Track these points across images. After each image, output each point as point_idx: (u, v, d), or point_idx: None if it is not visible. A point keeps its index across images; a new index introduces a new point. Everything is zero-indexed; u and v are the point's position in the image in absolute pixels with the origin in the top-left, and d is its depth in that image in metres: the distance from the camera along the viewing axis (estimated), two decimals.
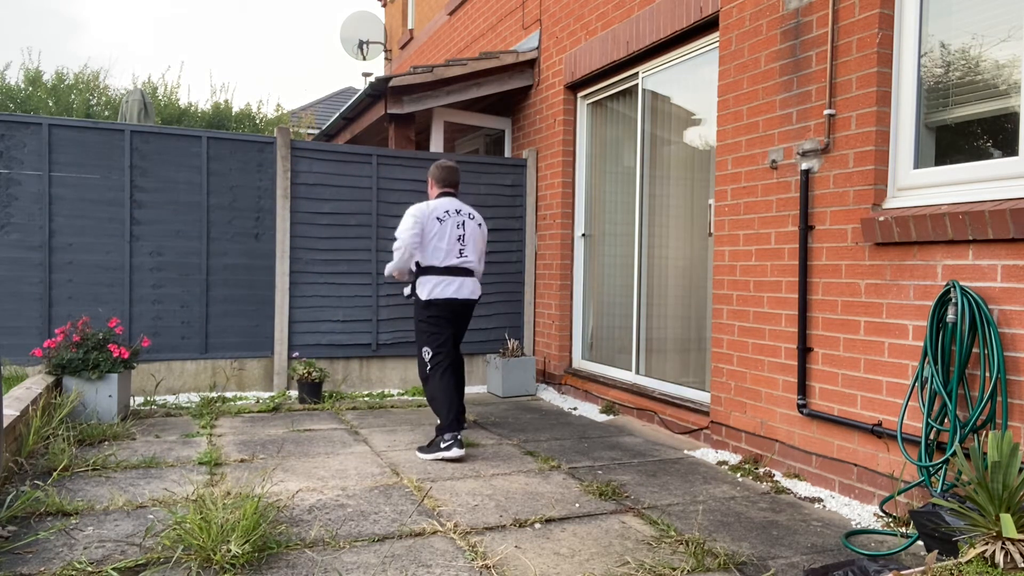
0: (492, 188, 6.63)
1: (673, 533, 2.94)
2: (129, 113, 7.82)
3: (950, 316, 2.92)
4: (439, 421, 4.19)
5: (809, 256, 3.74)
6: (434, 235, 4.28)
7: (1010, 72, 3.03)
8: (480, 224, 4.52)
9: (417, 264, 4.31)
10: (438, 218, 4.31)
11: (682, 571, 2.56)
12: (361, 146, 6.29)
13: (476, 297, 4.46)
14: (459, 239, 4.35)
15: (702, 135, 4.96)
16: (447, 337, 4.36)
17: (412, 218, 4.26)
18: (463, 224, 4.39)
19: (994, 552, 2.13)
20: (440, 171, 4.51)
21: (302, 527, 2.90)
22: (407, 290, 4.42)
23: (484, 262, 4.62)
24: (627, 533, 2.95)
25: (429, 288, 4.29)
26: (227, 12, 69.51)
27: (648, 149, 5.49)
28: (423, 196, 6.31)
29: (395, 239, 4.29)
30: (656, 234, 5.41)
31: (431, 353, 4.31)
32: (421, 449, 4.19)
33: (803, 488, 3.62)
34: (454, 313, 4.38)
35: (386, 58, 12.45)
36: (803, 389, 3.74)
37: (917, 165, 3.34)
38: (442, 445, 4.07)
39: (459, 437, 4.09)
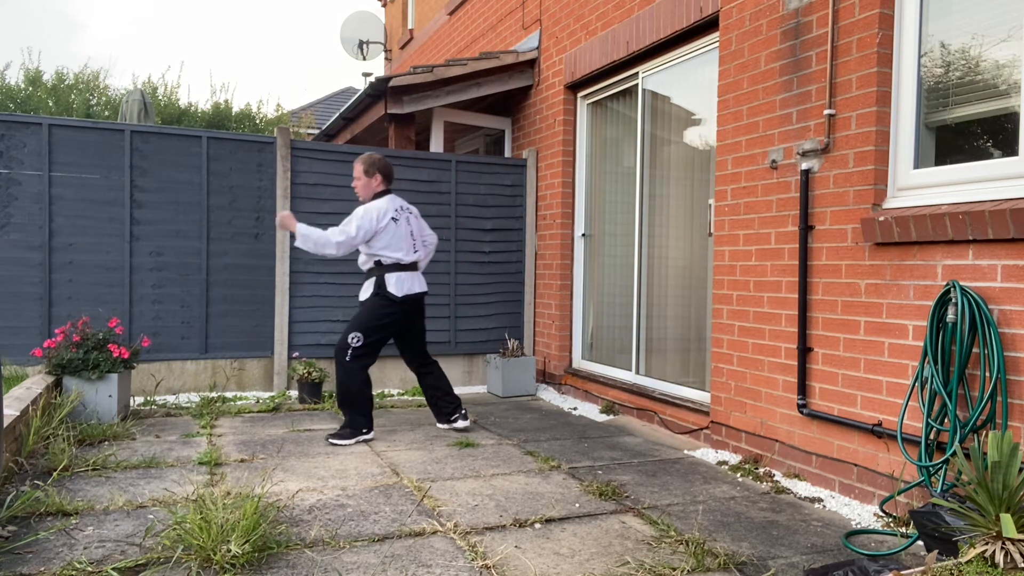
0: (492, 188, 6.64)
1: (673, 533, 2.94)
2: (129, 113, 7.82)
3: (950, 316, 2.92)
4: (357, 418, 4.42)
5: (809, 256, 3.74)
6: (393, 234, 4.47)
7: (1010, 72, 3.03)
8: (418, 216, 4.75)
9: (378, 262, 4.49)
10: (393, 218, 4.50)
11: (682, 571, 2.56)
12: (361, 146, 6.29)
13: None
14: (411, 234, 4.59)
15: (702, 135, 4.96)
16: (386, 339, 4.56)
17: (375, 216, 4.40)
18: (410, 220, 4.62)
19: (994, 552, 2.13)
20: (387, 166, 4.62)
21: (302, 527, 2.90)
22: (367, 291, 4.52)
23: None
24: (627, 533, 2.95)
25: (405, 286, 4.51)
26: (227, 11, 69.52)
27: (648, 149, 5.49)
28: (423, 196, 6.34)
29: (348, 229, 4.38)
30: (656, 234, 5.41)
31: (362, 341, 4.41)
32: (335, 436, 4.38)
33: (803, 488, 3.62)
34: (416, 310, 4.64)
35: (386, 58, 12.45)
36: (803, 389, 3.74)
37: (917, 165, 3.34)
38: (363, 430, 4.43)
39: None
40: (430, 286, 6.37)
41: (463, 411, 4.78)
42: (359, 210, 4.45)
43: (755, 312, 4.11)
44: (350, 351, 4.39)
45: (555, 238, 6.41)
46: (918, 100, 3.35)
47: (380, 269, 4.49)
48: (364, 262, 4.59)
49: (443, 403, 4.78)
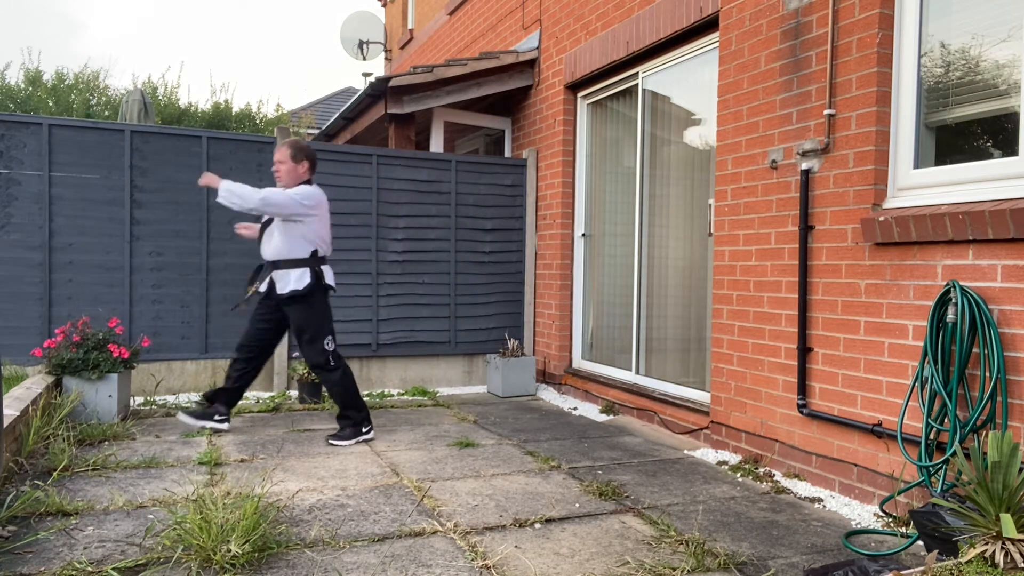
0: (492, 188, 6.64)
1: (673, 533, 2.94)
2: (129, 113, 7.82)
3: (950, 316, 2.92)
4: (358, 413, 4.43)
5: (809, 256, 3.74)
6: (325, 225, 4.45)
7: (1010, 72, 3.03)
8: None
9: (315, 252, 4.41)
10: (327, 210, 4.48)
11: (682, 571, 2.56)
12: (361, 146, 6.29)
13: None
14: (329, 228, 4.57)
15: (702, 135, 4.96)
16: None
17: (314, 200, 4.32)
18: (327, 213, 4.55)
19: (994, 552, 2.13)
20: (314, 154, 4.48)
21: (302, 527, 2.90)
22: (302, 280, 4.33)
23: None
24: (627, 533, 2.95)
25: (333, 277, 4.55)
26: (227, 11, 69.54)
27: (648, 149, 5.49)
28: (423, 196, 6.35)
29: (287, 194, 4.23)
30: (656, 234, 5.41)
31: (334, 344, 4.46)
32: (336, 438, 4.37)
33: (803, 488, 3.62)
34: None
35: (386, 58, 12.45)
36: (803, 389, 3.74)
37: (917, 165, 3.34)
38: (363, 429, 4.44)
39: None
40: (429, 285, 6.42)
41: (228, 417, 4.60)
42: (303, 188, 4.31)
43: (755, 312, 4.12)
44: (330, 357, 4.40)
45: (555, 238, 6.41)
46: (918, 100, 3.35)
47: (315, 260, 4.39)
48: (297, 248, 4.34)
49: (232, 398, 4.59)
